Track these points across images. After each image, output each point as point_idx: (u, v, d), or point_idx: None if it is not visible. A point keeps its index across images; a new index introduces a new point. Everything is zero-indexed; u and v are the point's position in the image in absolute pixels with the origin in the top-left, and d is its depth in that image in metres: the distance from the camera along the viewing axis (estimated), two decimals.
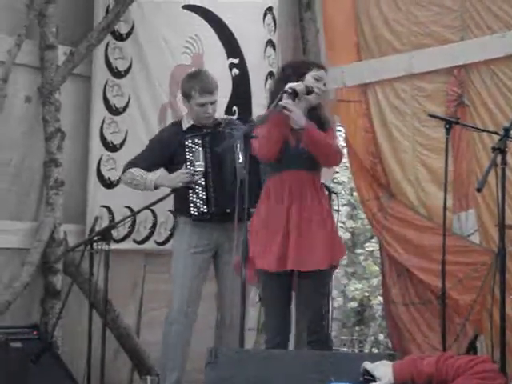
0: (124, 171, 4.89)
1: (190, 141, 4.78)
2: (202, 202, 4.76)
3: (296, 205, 4.25)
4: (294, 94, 4.18)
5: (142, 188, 4.86)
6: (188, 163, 4.77)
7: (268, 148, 4.24)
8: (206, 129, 4.86)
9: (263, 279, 4.33)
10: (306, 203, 4.25)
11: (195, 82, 4.85)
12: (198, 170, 4.75)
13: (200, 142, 4.77)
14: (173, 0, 5.43)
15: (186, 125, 4.93)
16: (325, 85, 4.39)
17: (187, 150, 4.77)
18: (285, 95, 4.17)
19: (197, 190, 4.77)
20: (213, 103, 4.85)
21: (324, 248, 4.21)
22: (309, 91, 4.26)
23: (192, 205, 4.77)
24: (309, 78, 4.33)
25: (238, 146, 4.46)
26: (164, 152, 4.87)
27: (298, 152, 4.25)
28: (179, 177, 4.75)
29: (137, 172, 4.83)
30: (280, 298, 4.33)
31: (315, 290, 4.26)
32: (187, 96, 4.87)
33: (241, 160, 4.42)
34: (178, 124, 4.98)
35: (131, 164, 4.88)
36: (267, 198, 4.33)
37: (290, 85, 4.23)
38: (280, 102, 4.14)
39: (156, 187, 4.84)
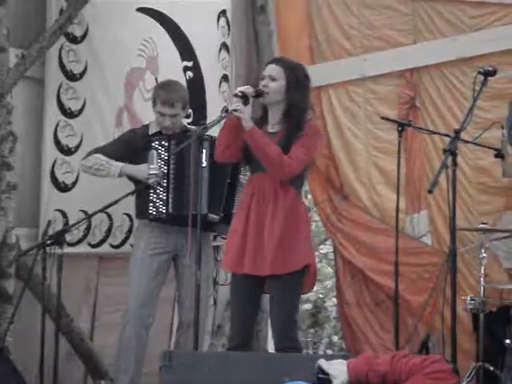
0: (87, 155, 4.89)
1: (156, 142, 4.82)
2: (161, 202, 4.79)
3: (254, 208, 4.25)
4: (244, 97, 4.20)
5: (103, 174, 4.86)
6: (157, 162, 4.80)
7: (219, 150, 4.26)
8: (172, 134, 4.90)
9: (231, 280, 4.36)
10: (263, 207, 4.24)
11: (161, 91, 4.91)
12: (162, 170, 4.77)
13: (166, 144, 4.80)
14: (127, 3, 5.40)
15: (152, 130, 4.98)
16: (274, 80, 4.28)
17: (154, 151, 4.80)
18: (235, 98, 4.19)
19: (158, 191, 4.80)
20: (173, 116, 4.88)
21: (281, 253, 4.18)
22: (258, 94, 4.26)
23: (151, 204, 4.80)
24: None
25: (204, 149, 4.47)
26: (129, 150, 4.90)
27: None
28: (149, 170, 4.75)
29: (102, 157, 4.86)
30: (243, 301, 4.31)
31: (280, 294, 4.24)
32: (153, 102, 4.94)
33: (204, 164, 4.45)
34: (146, 127, 5.03)
35: (96, 150, 4.91)
36: (239, 200, 4.37)
37: (239, 88, 4.27)
38: (230, 106, 4.18)
39: (120, 175, 4.85)
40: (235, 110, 4.16)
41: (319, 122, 6.14)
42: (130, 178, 4.96)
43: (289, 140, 4.24)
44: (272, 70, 4.32)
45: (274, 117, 4.34)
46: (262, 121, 4.31)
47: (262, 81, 4.30)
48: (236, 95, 4.20)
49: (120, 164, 4.85)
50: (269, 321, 4.64)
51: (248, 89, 4.24)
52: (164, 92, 4.90)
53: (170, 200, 4.78)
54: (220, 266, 4.35)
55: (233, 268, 4.29)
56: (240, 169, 4.73)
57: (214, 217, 4.70)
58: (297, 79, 4.31)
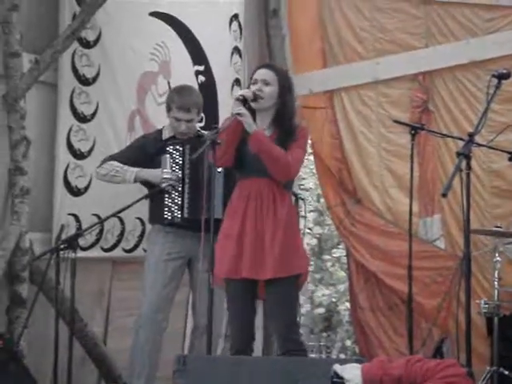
0: (102, 163, 4.90)
1: (171, 147, 4.82)
2: (176, 207, 4.79)
3: (251, 213, 4.24)
4: (244, 101, 4.21)
5: (119, 180, 4.87)
6: (170, 167, 4.80)
7: (218, 155, 4.23)
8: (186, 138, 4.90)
9: (227, 286, 4.35)
10: (260, 212, 4.24)
11: (176, 96, 4.91)
12: (177, 175, 4.77)
13: (180, 148, 4.80)
14: (139, 7, 5.41)
15: (165, 135, 4.97)
16: (268, 84, 4.29)
17: (168, 155, 4.79)
18: (236, 102, 4.20)
19: (173, 195, 4.80)
20: (188, 121, 4.89)
21: (275, 257, 4.18)
22: (255, 97, 4.27)
23: (166, 209, 4.80)
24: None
25: None
26: (143, 155, 4.90)
27: (257, 159, 4.24)
28: (162, 175, 4.75)
29: (116, 163, 4.87)
30: (241, 306, 4.32)
31: (278, 298, 4.24)
32: (167, 107, 4.94)
33: (220, 169, 4.44)
34: (159, 132, 5.02)
35: (110, 158, 4.92)
36: (230, 204, 4.35)
37: (240, 92, 4.28)
38: (232, 110, 4.19)
39: (135, 180, 4.85)
40: (239, 114, 4.17)
41: (331, 126, 6.15)
42: (143, 182, 4.97)
43: (283, 144, 4.25)
44: (265, 74, 4.33)
45: (264, 122, 4.34)
46: None
47: (254, 85, 4.30)
48: (237, 99, 4.22)
49: (135, 169, 4.85)
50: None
51: (248, 92, 4.26)
52: (179, 97, 4.90)
53: (186, 205, 4.78)
54: (215, 271, 4.27)
55: (229, 273, 4.26)
56: None
57: None
58: (289, 85, 4.36)
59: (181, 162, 4.81)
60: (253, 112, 4.32)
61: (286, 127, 4.30)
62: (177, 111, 4.88)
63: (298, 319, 4.36)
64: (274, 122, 4.33)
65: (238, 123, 4.21)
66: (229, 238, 4.28)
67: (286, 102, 4.32)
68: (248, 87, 4.36)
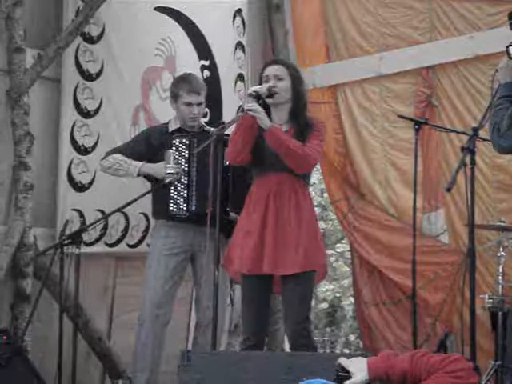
0: (106, 156, 4.89)
1: (177, 140, 4.82)
2: (182, 199, 4.79)
3: (272, 209, 4.24)
4: (258, 97, 4.20)
5: (122, 173, 4.87)
6: (174, 162, 4.80)
7: (233, 151, 4.25)
8: (192, 132, 4.89)
9: (242, 281, 4.35)
10: (282, 207, 4.24)
11: (183, 83, 4.91)
12: (182, 168, 4.76)
13: (187, 142, 4.80)
14: (144, 2, 5.41)
15: (172, 127, 4.96)
16: (281, 79, 4.31)
17: (174, 148, 4.79)
18: (249, 98, 4.19)
19: (178, 188, 4.79)
20: (199, 104, 4.89)
21: (299, 253, 4.18)
22: (270, 93, 4.26)
23: (172, 201, 4.79)
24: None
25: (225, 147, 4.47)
26: (148, 147, 4.90)
27: (275, 155, 4.23)
28: (166, 170, 4.75)
29: (120, 157, 4.86)
30: (256, 300, 4.32)
31: (296, 293, 4.24)
32: (175, 96, 4.91)
33: (227, 163, 4.45)
34: (165, 125, 5.02)
35: (115, 150, 4.90)
36: (249, 200, 4.34)
37: (252, 88, 4.27)
38: (245, 105, 4.18)
39: (139, 174, 4.85)
40: (250, 110, 4.16)
41: (335, 121, 6.14)
42: (147, 177, 4.96)
43: (301, 137, 4.26)
44: (277, 70, 4.35)
45: (281, 117, 4.34)
46: None
47: (267, 82, 4.30)
48: (250, 95, 4.21)
49: (139, 163, 4.85)
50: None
51: (262, 88, 4.25)
52: (187, 83, 4.90)
53: (192, 198, 4.77)
54: (231, 267, 4.30)
55: (250, 270, 4.26)
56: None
57: (235, 216, 4.68)
58: (300, 77, 4.39)
59: (187, 156, 4.80)
60: (267, 109, 4.31)
61: (302, 120, 4.31)
62: (187, 95, 4.86)
63: (309, 315, 4.37)
64: (290, 117, 4.33)
65: (252, 120, 4.19)
66: (249, 235, 4.26)
67: (301, 94, 4.35)
68: (259, 84, 4.34)
